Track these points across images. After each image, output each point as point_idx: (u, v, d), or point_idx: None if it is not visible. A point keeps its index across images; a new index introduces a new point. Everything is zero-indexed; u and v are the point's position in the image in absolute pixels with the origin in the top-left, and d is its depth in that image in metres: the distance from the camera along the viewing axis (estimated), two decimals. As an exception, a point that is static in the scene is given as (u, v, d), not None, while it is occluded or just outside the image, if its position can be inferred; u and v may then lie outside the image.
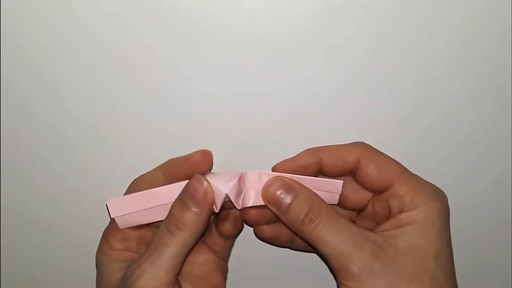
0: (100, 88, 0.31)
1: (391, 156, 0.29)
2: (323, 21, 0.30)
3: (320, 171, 0.29)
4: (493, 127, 0.33)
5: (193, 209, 0.26)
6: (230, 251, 0.33)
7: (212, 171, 0.30)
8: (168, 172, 0.29)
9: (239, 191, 0.28)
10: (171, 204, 0.28)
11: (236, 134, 0.32)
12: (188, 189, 0.27)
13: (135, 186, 0.30)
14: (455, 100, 0.32)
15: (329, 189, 0.29)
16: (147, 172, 0.30)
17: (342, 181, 0.29)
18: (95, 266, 0.31)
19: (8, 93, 0.31)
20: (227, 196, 0.27)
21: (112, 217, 0.29)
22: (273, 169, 0.29)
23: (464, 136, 0.33)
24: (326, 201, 0.28)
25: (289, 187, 0.28)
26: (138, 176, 0.30)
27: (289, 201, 0.27)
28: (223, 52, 0.31)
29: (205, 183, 0.27)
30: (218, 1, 0.30)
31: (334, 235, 0.26)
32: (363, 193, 0.30)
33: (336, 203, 0.30)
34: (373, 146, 0.30)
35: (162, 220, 0.28)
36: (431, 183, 0.29)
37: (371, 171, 0.28)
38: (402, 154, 0.30)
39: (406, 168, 0.29)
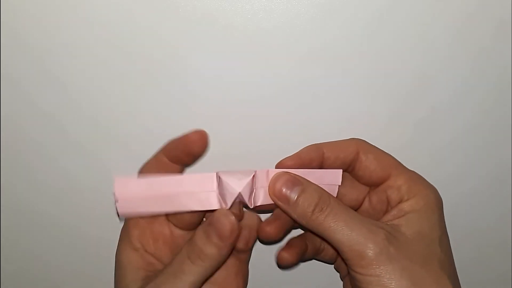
0: (103, 85, 0.31)
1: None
2: (323, 20, 0.30)
3: (322, 165, 0.30)
4: (489, 123, 0.33)
5: (217, 243, 0.26)
6: (251, 252, 0.32)
7: (218, 169, 0.30)
8: (170, 153, 0.29)
9: (251, 190, 0.28)
10: (179, 198, 0.27)
11: (237, 133, 0.32)
12: (214, 222, 0.26)
13: (143, 174, 0.29)
14: (451, 97, 0.32)
15: (330, 180, 0.29)
16: (151, 157, 0.30)
17: (341, 169, 0.29)
18: (96, 266, 0.31)
19: (11, 88, 0.32)
20: (240, 194, 0.27)
21: (115, 196, 0.28)
22: (277, 166, 0.29)
23: (460, 133, 0.33)
24: None
25: (295, 181, 0.28)
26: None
27: (296, 195, 0.27)
28: (223, 52, 0.31)
29: (232, 218, 0.26)
30: (218, 1, 0.30)
31: (347, 223, 0.26)
32: (359, 189, 0.31)
33: (335, 195, 0.30)
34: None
35: (162, 214, 0.28)
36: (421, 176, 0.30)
37: (370, 162, 0.29)
38: (399, 152, 0.30)
39: (399, 161, 0.30)
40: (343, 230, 0.26)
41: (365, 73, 0.31)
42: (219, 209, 0.27)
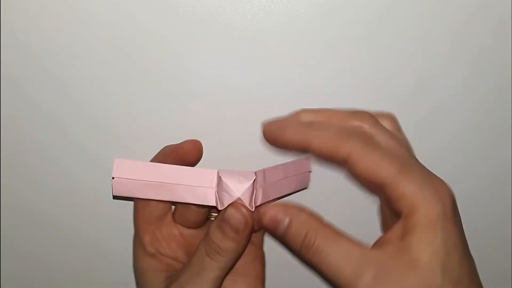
0: (103, 85, 0.31)
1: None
2: (323, 21, 0.30)
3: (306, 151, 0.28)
4: (489, 123, 0.33)
5: (234, 237, 0.27)
6: (264, 234, 0.32)
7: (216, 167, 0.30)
8: (163, 161, 0.29)
9: (251, 193, 0.27)
10: (176, 189, 0.27)
11: (237, 133, 0.32)
12: (228, 218, 0.27)
13: None
14: (451, 97, 0.32)
15: (300, 170, 0.28)
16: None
17: (309, 159, 0.28)
18: (96, 266, 0.31)
19: (11, 88, 0.32)
20: (239, 199, 0.27)
21: (112, 176, 0.27)
22: (264, 127, 0.29)
23: (460, 133, 0.33)
24: (297, 185, 0.27)
25: (285, 211, 0.26)
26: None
27: (284, 229, 0.26)
28: (223, 52, 0.31)
29: (244, 211, 0.27)
30: (218, 1, 0.30)
31: (334, 263, 0.25)
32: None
33: (307, 186, 0.29)
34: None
35: (157, 199, 0.28)
36: (433, 178, 0.26)
37: (360, 172, 0.26)
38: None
39: (406, 163, 0.26)
40: (329, 268, 0.25)
41: (365, 73, 0.31)
42: (231, 203, 0.27)
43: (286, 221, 0.26)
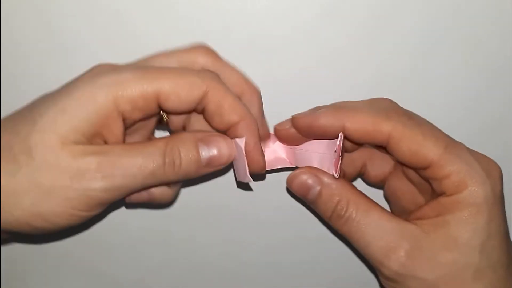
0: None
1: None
2: (323, 20, 0.30)
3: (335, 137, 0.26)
4: (489, 123, 0.33)
5: (207, 170, 0.26)
6: None
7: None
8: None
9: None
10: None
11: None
12: (217, 158, 0.26)
13: None
14: (451, 97, 0.32)
15: (329, 149, 0.27)
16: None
17: (341, 135, 0.25)
18: (96, 266, 0.30)
19: (11, 88, 0.32)
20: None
21: None
22: (293, 119, 0.27)
23: (460, 133, 0.33)
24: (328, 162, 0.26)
25: (316, 177, 0.26)
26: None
27: (315, 195, 0.26)
28: (223, 52, 0.31)
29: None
30: (218, 1, 0.30)
31: (365, 234, 0.25)
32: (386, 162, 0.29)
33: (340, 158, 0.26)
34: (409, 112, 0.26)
35: None
36: (481, 158, 0.25)
37: (403, 153, 0.25)
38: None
39: (451, 142, 0.25)
40: (360, 241, 0.25)
41: (365, 73, 0.31)
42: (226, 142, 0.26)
43: (317, 188, 0.26)
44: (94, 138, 0.24)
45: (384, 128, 0.25)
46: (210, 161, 0.25)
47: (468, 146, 0.32)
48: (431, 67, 0.31)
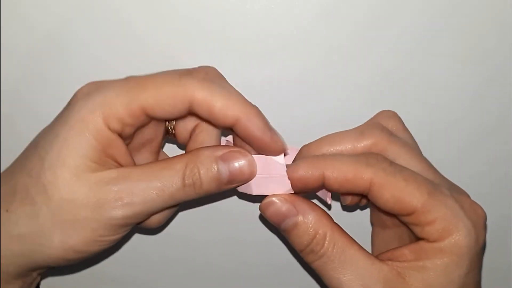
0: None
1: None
2: (323, 20, 0.30)
3: (322, 186, 0.25)
4: (489, 123, 0.33)
5: (226, 187, 0.25)
6: None
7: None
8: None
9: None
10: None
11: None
12: (238, 174, 0.25)
13: None
14: (451, 97, 0.32)
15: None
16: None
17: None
18: (95, 266, 0.30)
19: (11, 89, 0.32)
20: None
21: None
22: None
23: (460, 133, 0.33)
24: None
25: (292, 206, 0.24)
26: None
27: (290, 226, 0.24)
28: (223, 52, 0.31)
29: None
30: (218, 1, 0.30)
31: (338, 273, 0.24)
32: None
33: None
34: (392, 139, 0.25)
35: None
36: (466, 204, 0.24)
37: (386, 200, 0.23)
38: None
39: (434, 188, 0.24)
40: (332, 281, 0.24)
41: (365, 73, 0.31)
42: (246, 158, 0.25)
43: (294, 218, 0.24)
44: (104, 161, 0.24)
45: (365, 175, 0.23)
46: (231, 178, 0.25)
47: (468, 146, 0.32)
48: (431, 67, 0.31)
